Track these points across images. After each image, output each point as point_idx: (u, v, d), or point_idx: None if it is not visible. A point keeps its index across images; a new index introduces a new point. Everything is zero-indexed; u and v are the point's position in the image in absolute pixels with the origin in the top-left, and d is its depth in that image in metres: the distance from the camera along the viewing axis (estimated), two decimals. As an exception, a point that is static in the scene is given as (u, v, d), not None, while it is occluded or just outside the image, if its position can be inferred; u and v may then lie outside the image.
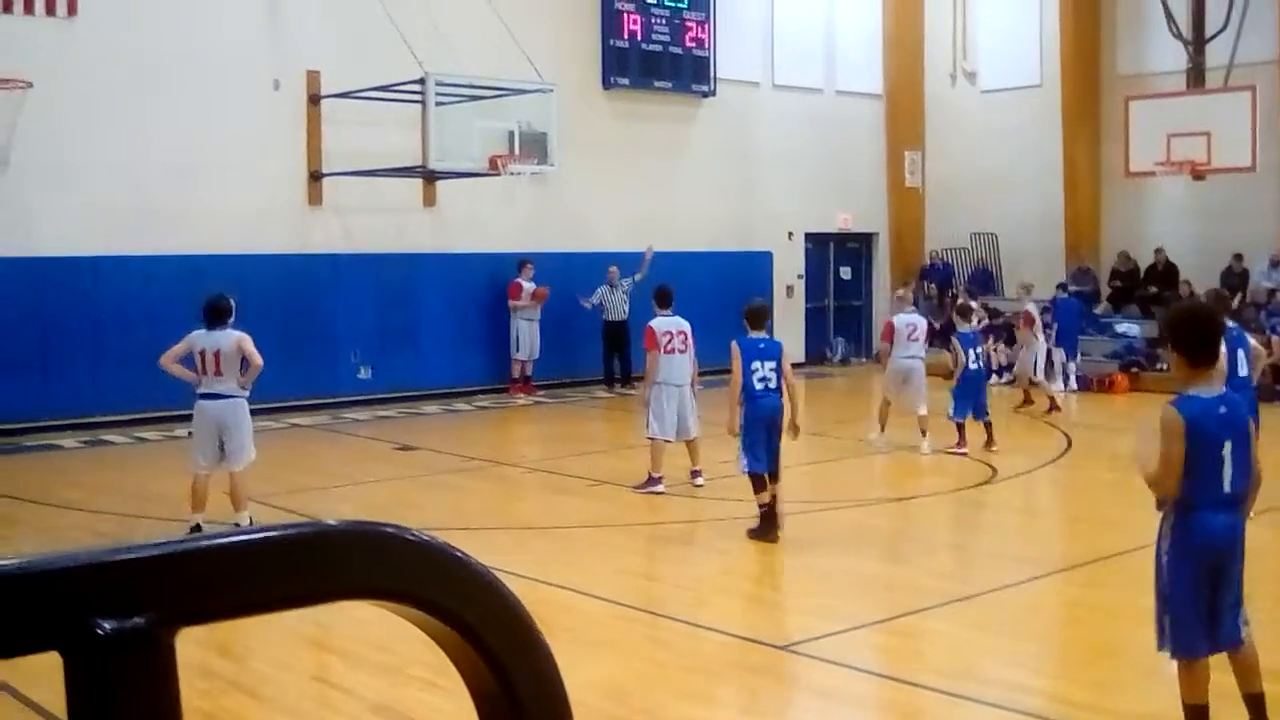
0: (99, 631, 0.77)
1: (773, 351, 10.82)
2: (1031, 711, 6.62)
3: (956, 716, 6.67)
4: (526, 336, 20.35)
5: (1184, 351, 5.61)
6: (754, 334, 10.95)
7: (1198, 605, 5.54)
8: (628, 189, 22.41)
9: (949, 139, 26.50)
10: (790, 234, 25.15)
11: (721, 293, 22.02)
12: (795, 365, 24.47)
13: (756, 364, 10.69)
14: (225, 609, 0.84)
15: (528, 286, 20.27)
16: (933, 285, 25.87)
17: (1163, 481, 5.50)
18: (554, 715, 0.94)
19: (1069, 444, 15.87)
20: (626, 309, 20.76)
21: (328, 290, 19.05)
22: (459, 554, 0.91)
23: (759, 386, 10.65)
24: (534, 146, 17.98)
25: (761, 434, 10.59)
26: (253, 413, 10.59)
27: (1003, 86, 25.59)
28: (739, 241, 23.91)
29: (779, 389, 10.75)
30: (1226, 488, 5.53)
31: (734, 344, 10.84)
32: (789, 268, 25.11)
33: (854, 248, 26.95)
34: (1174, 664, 5.69)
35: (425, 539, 0.90)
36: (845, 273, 26.81)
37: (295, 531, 0.86)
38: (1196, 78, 21.75)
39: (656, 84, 22.74)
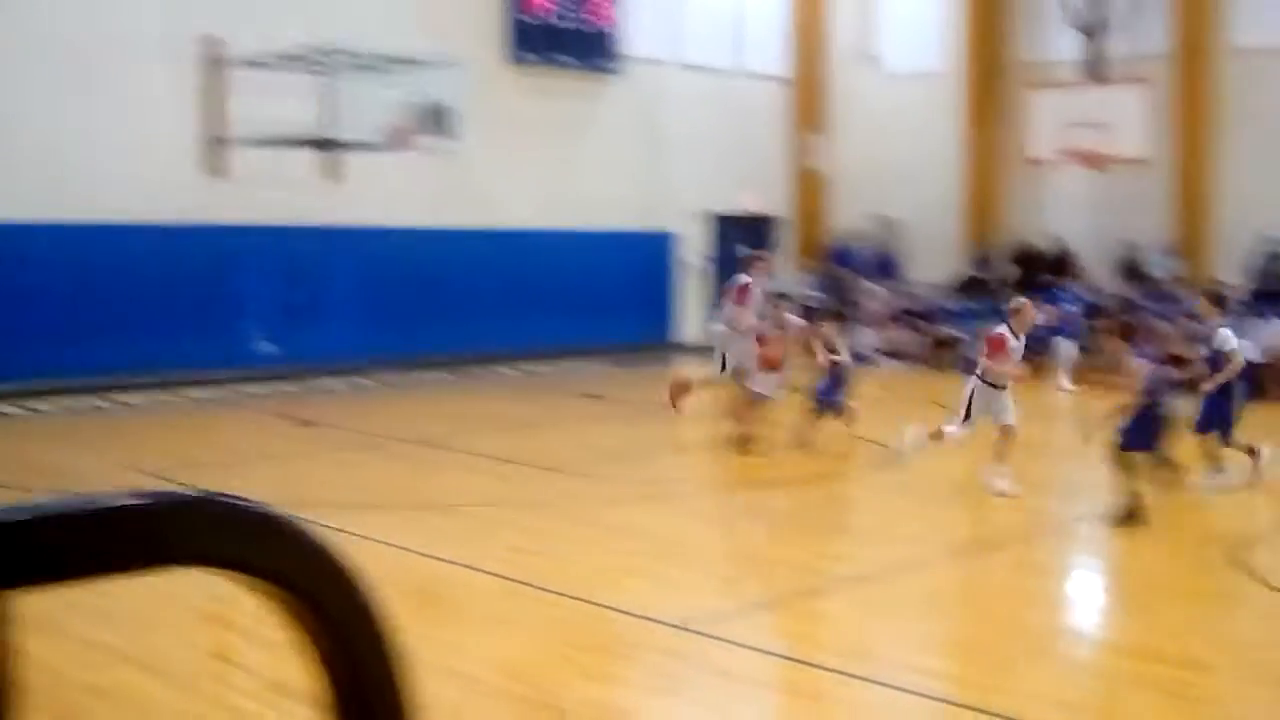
0: None
1: None
2: (928, 693, 6.72)
3: (856, 698, 6.74)
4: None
5: None
6: None
7: None
8: (535, 166, 22.30)
9: (853, 124, 26.67)
10: (694, 215, 25.19)
11: (625, 272, 22.06)
12: (695, 349, 24.89)
13: None
14: (64, 573, 0.85)
15: (759, 292, 14.32)
16: (838, 269, 26.09)
17: None
18: (389, 671, 1.00)
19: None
20: None
21: (229, 263, 18.70)
22: (294, 524, 0.95)
23: None
24: (440, 121, 17.83)
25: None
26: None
27: (906, 72, 25.83)
28: (644, 221, 23.89)
29: None
30: None
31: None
32: (693, 248, 25.17)
33: (758, 230, 27.04)
34: None
35: (261, 509, 0.93)
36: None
37: (135, 501, 0.88)
38: (1093, 69, 22.12)
39: (564, 60, 22.64)
